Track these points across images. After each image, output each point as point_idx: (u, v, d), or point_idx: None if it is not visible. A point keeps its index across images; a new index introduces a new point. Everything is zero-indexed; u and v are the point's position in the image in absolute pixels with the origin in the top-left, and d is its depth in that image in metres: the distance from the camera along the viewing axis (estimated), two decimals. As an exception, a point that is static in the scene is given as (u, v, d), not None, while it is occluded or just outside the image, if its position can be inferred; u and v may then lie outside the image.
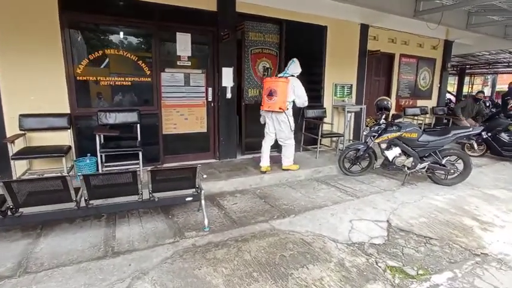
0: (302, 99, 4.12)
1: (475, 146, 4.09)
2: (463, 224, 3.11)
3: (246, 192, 3.91)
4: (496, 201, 3.80)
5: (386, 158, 4.34)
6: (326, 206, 3.49)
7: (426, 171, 4.28)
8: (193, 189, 2.91)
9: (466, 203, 3.70)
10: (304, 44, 5.39)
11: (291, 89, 4.02)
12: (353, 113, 5.95)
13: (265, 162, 4.31)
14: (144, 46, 4.26)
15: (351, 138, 6.18)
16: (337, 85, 5.86)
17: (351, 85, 5.98)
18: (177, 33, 4.38)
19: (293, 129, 4.22)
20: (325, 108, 5.70)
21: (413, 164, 4.25)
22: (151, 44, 4.23)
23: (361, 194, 3.91)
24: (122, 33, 4.11)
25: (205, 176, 2.98)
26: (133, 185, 2.56)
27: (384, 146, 4.28)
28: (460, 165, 4.25)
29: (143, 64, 4.22)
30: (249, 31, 4.95)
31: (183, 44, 4.46)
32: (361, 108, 5.88)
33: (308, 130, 5.47)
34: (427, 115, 7.35)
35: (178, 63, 4.48)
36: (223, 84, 4.67)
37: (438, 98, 7.76)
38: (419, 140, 4.20)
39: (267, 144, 4.31)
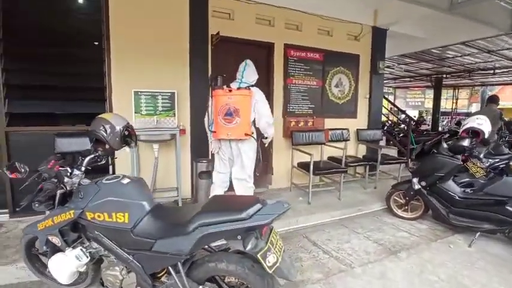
0: (265, 119, 2.87)
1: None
2: None
3: None
4: None
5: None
6: None
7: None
8: None
9: None
10: (49, 12, 2.89)
11: (252, 106, 2.85)
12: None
13: None
14: None
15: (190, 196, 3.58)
16: (142, 94, 3.22)
17: (172, 94, 3.30)
18: None
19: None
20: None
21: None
22: None
23: None
24: None
25: None
26: None
27: (54, 240, 1.58)
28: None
29: None
30: None
31: None
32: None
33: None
34: (348, 142, 4.59)
35: None
36: None
37: (369, 116, 5.01)
38: (135, 229, 1.51)
39: (219, 191, 2.99)
